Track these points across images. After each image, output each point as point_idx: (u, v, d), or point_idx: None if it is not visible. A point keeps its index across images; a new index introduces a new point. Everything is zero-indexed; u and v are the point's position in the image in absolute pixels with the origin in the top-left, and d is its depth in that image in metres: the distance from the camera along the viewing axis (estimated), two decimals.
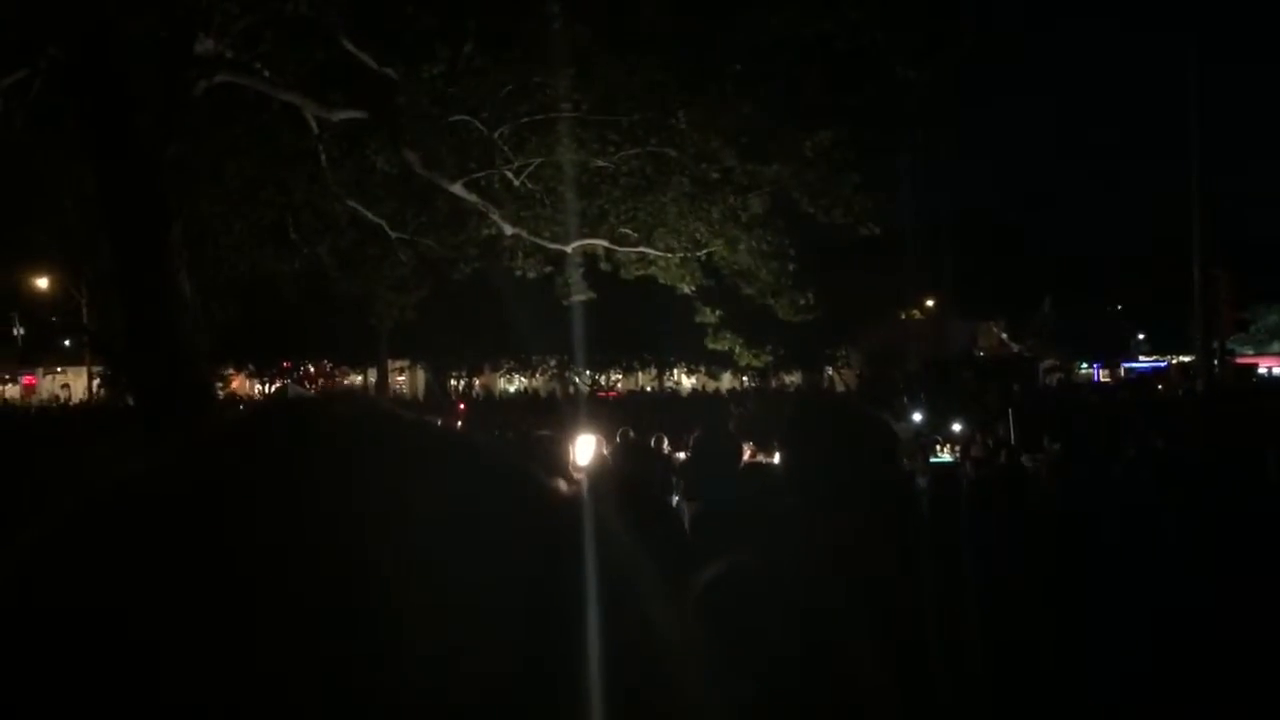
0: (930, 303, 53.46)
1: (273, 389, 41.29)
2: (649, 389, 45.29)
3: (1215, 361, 23.47)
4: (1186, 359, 42.83)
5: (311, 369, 43.36)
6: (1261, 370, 47.69)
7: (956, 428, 17.04)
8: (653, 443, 12.00)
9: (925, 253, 46.60)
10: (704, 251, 11.42)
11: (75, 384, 43.97)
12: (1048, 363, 51.84)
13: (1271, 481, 6.93)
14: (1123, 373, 56.38)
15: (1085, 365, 58.24)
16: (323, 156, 11.24)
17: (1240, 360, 45.81)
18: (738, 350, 12.29)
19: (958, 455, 14.30)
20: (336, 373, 44.58)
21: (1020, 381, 37.71)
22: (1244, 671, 5.19)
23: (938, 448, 15.23)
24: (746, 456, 10.71)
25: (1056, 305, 55.09)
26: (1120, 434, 12.43)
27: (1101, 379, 54.97)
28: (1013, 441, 13.54)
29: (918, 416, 18.63)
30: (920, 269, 47.81)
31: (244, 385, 43.42)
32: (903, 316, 52.02)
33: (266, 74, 9.74)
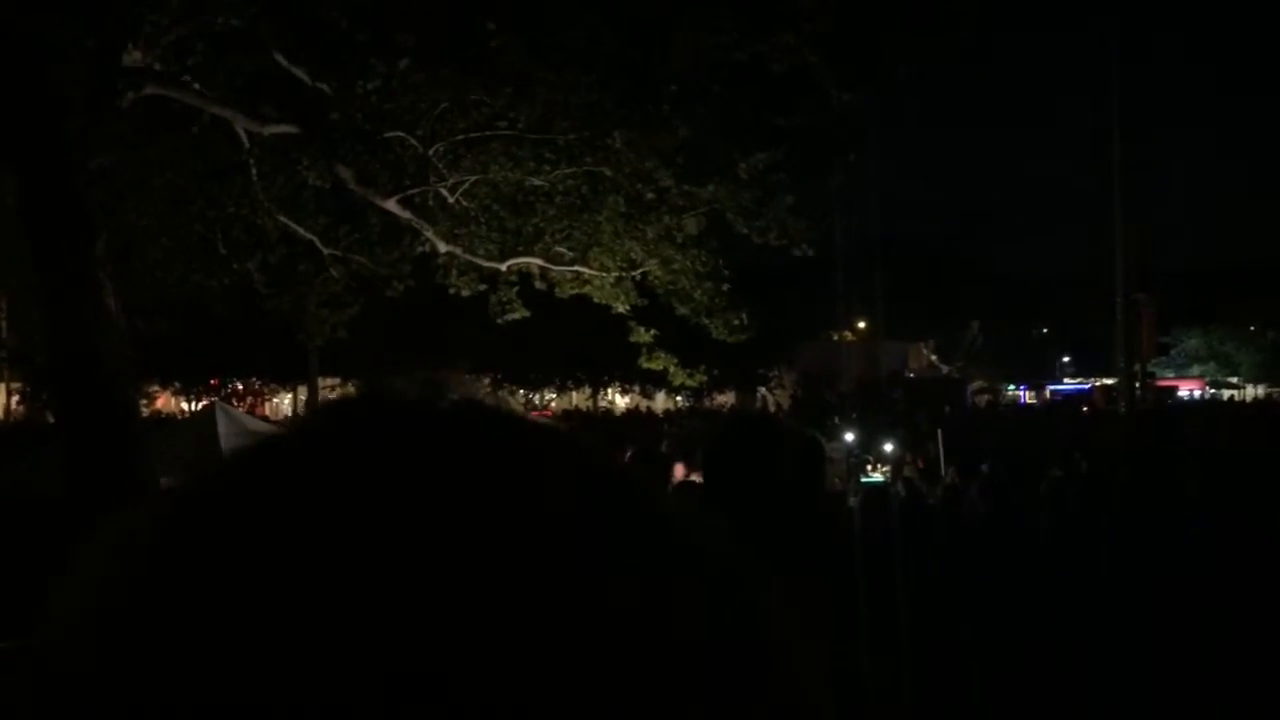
0: (862, 324, 54.16)
1: (199, 407, 40.55)
2: (583, 408, 45.20)
3: (1137, 384, 24.00)
4: (1110, 381, 43.80)
5: (240, 386, 42.63)
6: (1182, 393, 48.95)
7: (887, 448, 17.26)
8: None
9: (857, 275, 47.20)
10: (639, 271, 11.44)
11: None
12: (976, 385, 52.79)
13: (1189, 497, 7.11)
14: (1048, 395, 57.51)
15: (1012, 387, 59.41)
16: (254, 171, 11.09)
17: (1161, 382, 46.95)
18: (672, 370, 12.32)
19: (889, 475, 14.47)
20: (264, 391, 43.90)
21: (949, 403, 38.31)
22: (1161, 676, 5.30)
23: (869, 467, 15.40)
24: (679, 475, 10.74)
25: (985, 328, 56.12)
26: (1048, 455, 12.67)
27: (1028, 401, 56.04)
28: (942, 462, 13.73)
29: (849, 436, 18.82)
30: (852, 291, 48.39)
31: (170, 403, 42.56)
32: (835, 338, 52.65)
33: (196, 86, 9.59)
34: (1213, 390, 55.78)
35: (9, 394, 40.31)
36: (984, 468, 11.52)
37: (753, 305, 12.34)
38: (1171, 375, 54.26)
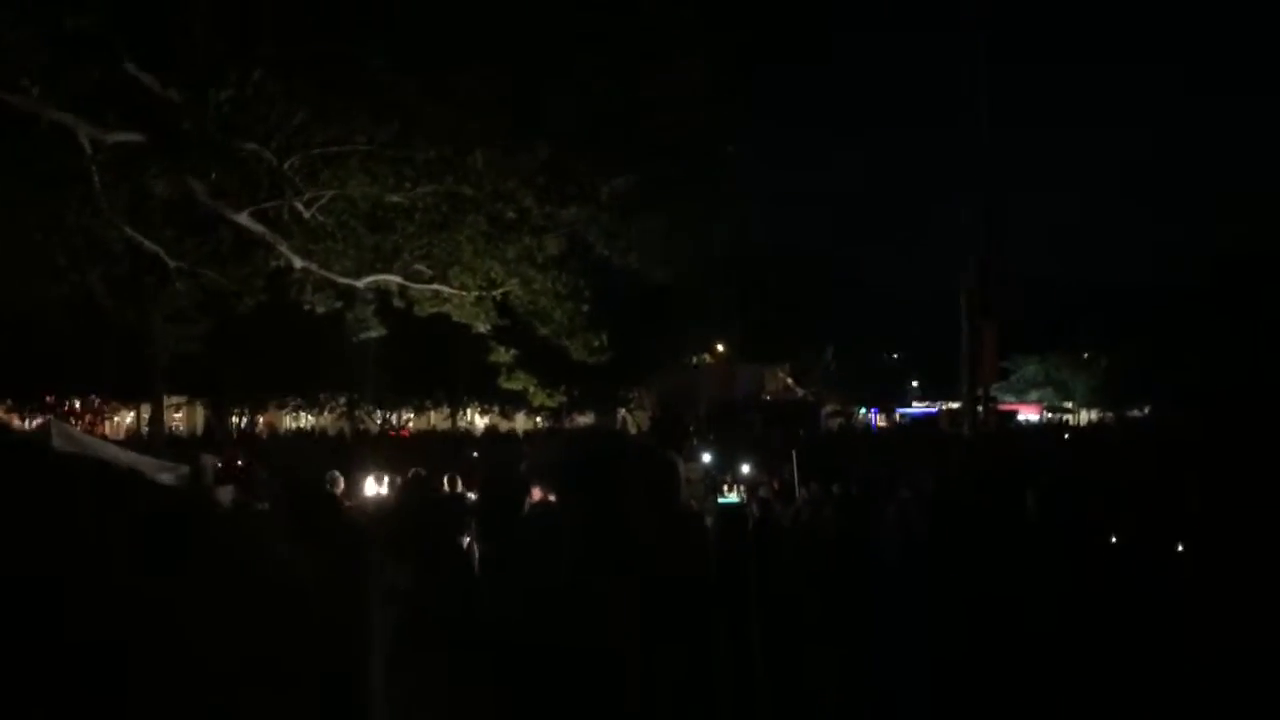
0: (720, 347, 54.93)
1: (34, 425, 38.51)
2: (440, 428, 44.61)
3: (980, 408, 24.97)
4: (955, 405, 45.42)
5: (78, 404, 40.68)
6: (1021, 417, 51.06)
7: (744, 469, 17.51)
8: (445, 483, 11.83)
9: (715, 296, 47.88)
10: (499, 291, 11.41)
11: None
12: (829, 408, 54.10)
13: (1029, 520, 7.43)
14: (898, 417, 59.40)
15: (864, 410, 61.11)
16: (96, 179, 10.65)
17: (1002, 407, 49.00)
18: (531, 390, 12.31)
19: (744, 496, 14.69)
20: (105, 409, 41.99)
21: (804, 425, 39.13)
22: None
23: (725, 488, 15.61)
24: (536, 497, 10.64)
25: (838, 353, 57.57)
26: (895, 476, 13.05)
27: (878, 423, 57.69)
28: (796, 482, 14.01)
29: (706, 458, 19.05)
30: (711, 313, 49.04)
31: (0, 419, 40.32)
32: (694, 360, 53.24)
33: (35, 91, 9.16)
34: (1049, 414, 58.45)
35: None
36: (835, 488, 11.81)
37: (610, 326, 12.43)
38: (1012, 399, 56.61)
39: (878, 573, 7.10)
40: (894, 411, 61.57)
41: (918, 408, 62.29)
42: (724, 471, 17.72)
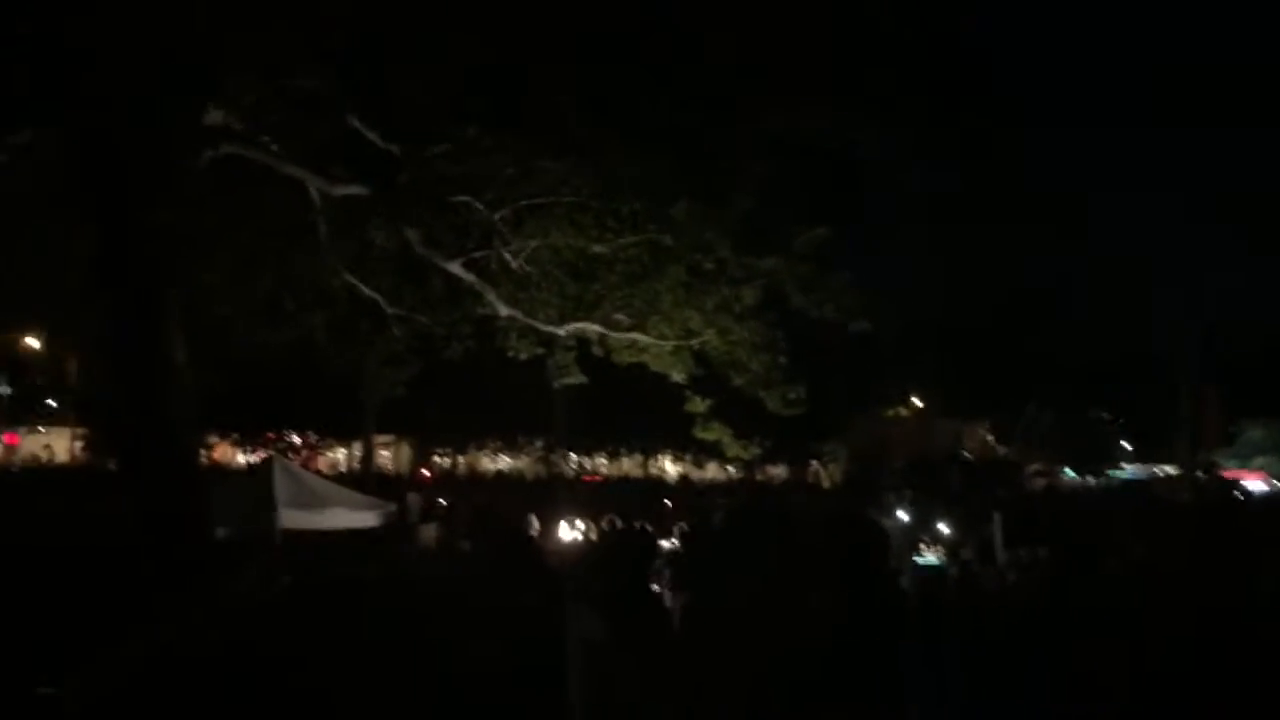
0: (917, 401, 53.61)
1: (257, 460, 41.01)
2: (632, 475, 45.07)
3: (1200, 473, 23.49)
4: (1170, 469, 42.89)
5: (296, 440, 43.08)
6: (1245, 484, 47.68)
7: (942, 528, 16.97)
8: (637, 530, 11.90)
9: (913, 351, 46.85)
10: (696, 341, 11.46)
11: (57, 445, 43.59)
12: (1033, 467, 51.90)
13: (1261, 607, 6.88)
14: (1106, 479, 56.25)
15: (1069, 470, 58.29)
16: (322, 230, 11.30)
17: (1224, 473, 45.89)
18: (726, 441, 12.27)
19: (943, 557, 14.20)
20: (320, 445, 44.30)
21: (1005, 484, 37.67)
22: None
23: (924, 548, 15.13)
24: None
25: (1043, 409, 55.31)
26: (1106, 543, 12.36)
27: (1088, 484, 54.80)
28: (998, 546, 13.47)
29: (903, 515, 18.54)
30: (907, 367, 48.06)
31: (227, 454, 43.09)
32: (889, 413, 52.11)
33: (273, 147, 9.83)
34: (1276, 483, 54.37)
35: (73, 439, 41.10)
36: (1042, 552, 11.28)
37: (807, 377, 12.29)
38: (1235, 465, 52.98)
39: (1092, 650, 6.68)
40: (1103, 473, 58.52)
41: (1128, 470, 59.03)
42: (921, 530, 17.22)
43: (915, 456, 41.04)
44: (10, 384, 42.13)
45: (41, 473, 33.61)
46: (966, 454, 51.07)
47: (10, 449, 45.93)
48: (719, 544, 5.85)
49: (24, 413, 43.92)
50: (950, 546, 14.88)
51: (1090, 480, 55.67)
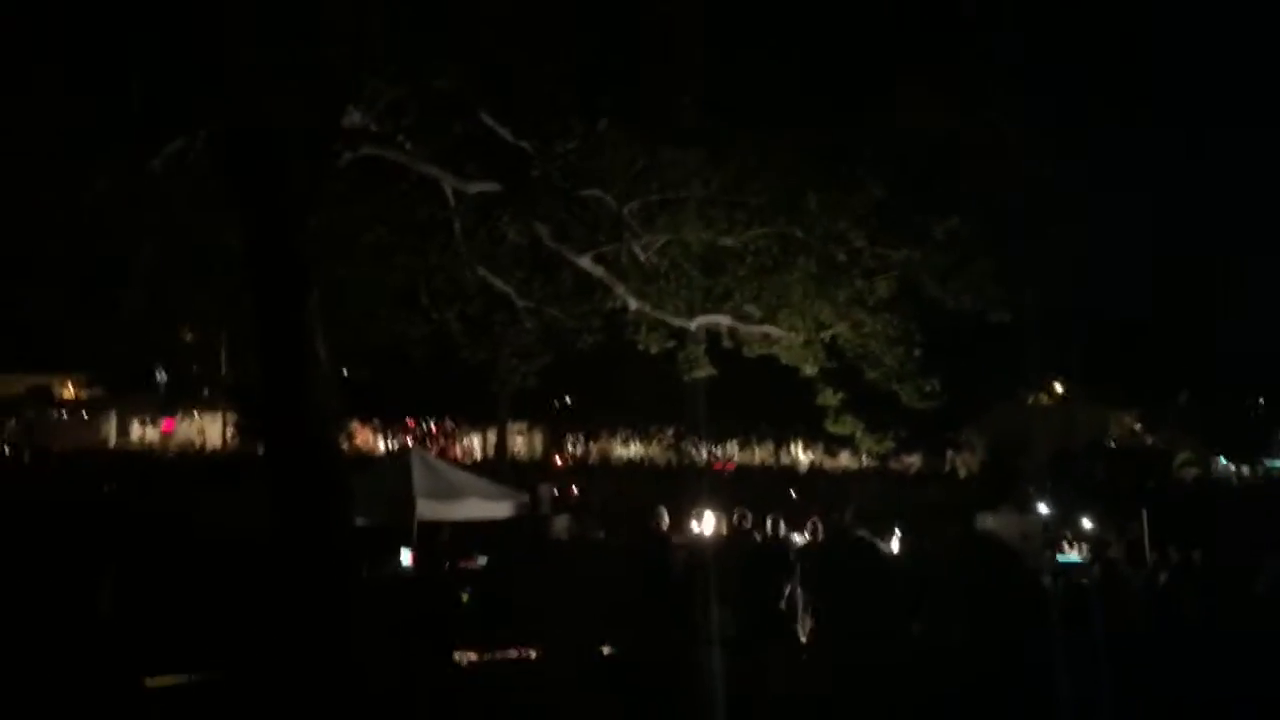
0: (1059, 388, 51.96)
1: (396, 447, 42.18)
2: (765, 464, 44.82)
3: None
4: None
5: (434, 428, 44.16)
6: None
7: (1085, 524, 16.39)
8: (768, 525, 11.84)
9: (1055, 335, 45.39)
10: (828, 333, 11.29)
11: (210, 430, 45.56)
12: (1182, 456, 49.76)
13: None
14: (1264, 469, 53.50)
15: (1224, 461, 55.67)
16: (457, 226, 11.50)
17: None
18: (858, 435, 12.07)
19: (1087, 554, 13.68)
20: (457, 431, 45.31)
21: (1153, 476, 36.21)
22: None
23: (1065, 544, 14.59)
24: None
25: (1194, 397, 53.01)
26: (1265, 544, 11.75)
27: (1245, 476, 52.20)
28: (1146, 544, 12.94)
29: (1043, 509, 17.99)
30: (1050, 352, 46.51)
31: (368, 440, 44.42)
32: (1029, 401, 50.62)
33: (408, 146, 10.03)
34: None
35: (225, 425, 42.90)
36: (1195, 554, 10.81)
37: (942, 363, 11.99)
38: None
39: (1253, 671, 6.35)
40: (1259, 463, 55.70)
41: None
42: (1063, 525, 16.64)
43: (1057, 446, 39.71)
44: (166, 372, 44.28)
45: (195, 458, 35.21)
46: (1112, 443, 49.22)
47: (167, 435, 48.28)
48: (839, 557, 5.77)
49: (179, 399, 46.09)
50: (1094, 543, 14.33)
51: (1245, 471, 53.10)
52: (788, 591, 9.72)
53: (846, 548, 8.29)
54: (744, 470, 41.56)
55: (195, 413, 47.67)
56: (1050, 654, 5.98)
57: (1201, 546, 10.83)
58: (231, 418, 40.88)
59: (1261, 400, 63.76)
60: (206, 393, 42.82)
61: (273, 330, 8.92)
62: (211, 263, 12.10)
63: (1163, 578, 10.21)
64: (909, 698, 5.84)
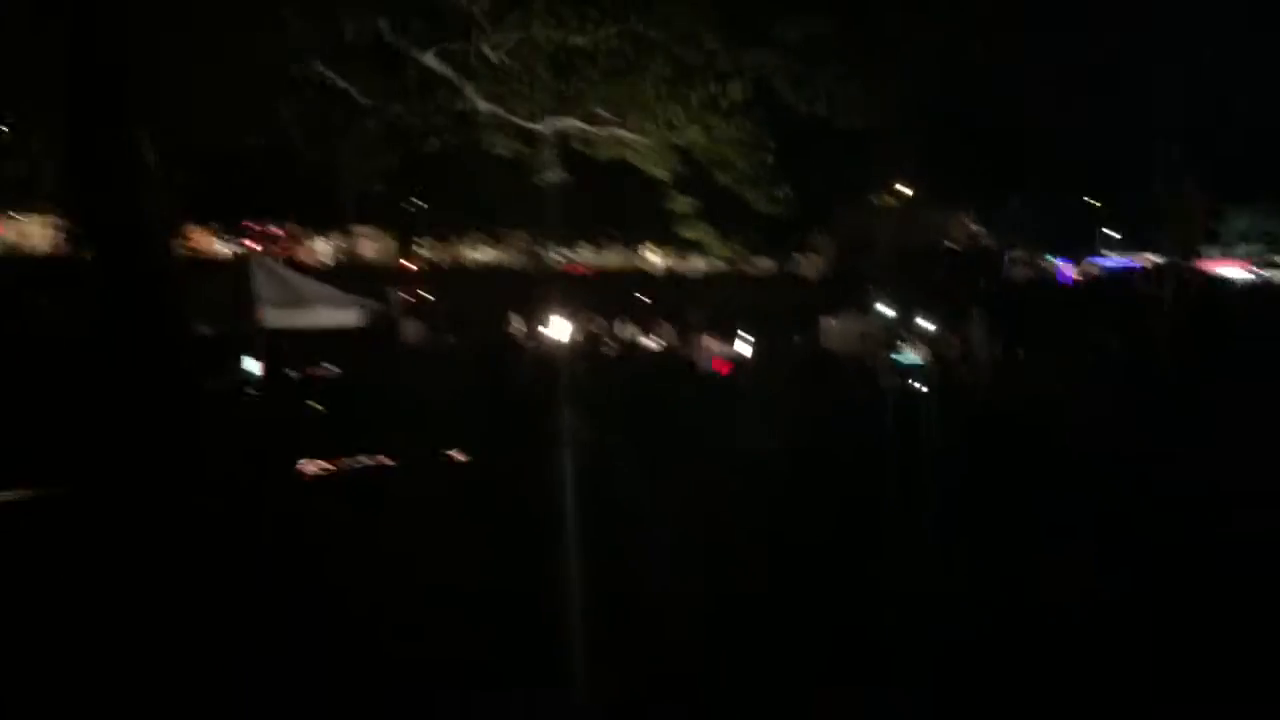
0: (902, 189, 53.09)
1: (236, 253, 40.71)
2: (616, 268, 44.97)
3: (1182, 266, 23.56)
4: (1155, 258, 42.93)
5: (278, 231, 42.65)
6: (1225, 272, 47.90)
7: (924, 324, 16.99)
8: (619, 331, 11.94)
9: (901, 137, 46.00)
10: (680, 137, 11.15)
11: (33, 233, 43.08)
12: (1014, 253, 51.86)
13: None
14: (1094, 270, 56.21)
15: (1050, 257, 58.22)
16: (289, 16, 10.77)
17: (1206, 262, 46.15)
18: (708, 241, 12.14)
19: (926, 355, 14.27)
20: (302, 235, 43.89)
21: (987, 275, 37.74)
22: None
23: (903, 345, 15.14)
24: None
25: (1028, 199, 54.94)
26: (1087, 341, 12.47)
27: (1071, 275, 54.93)
28: (979, 343, 13.57)
29: (885, 310, 18.59)
30: (895, 154, 47.21)
31: (206, 244, 42.69)
32: (875, 203, 51.68)
33: None
34: (1261, 271, 54.49)
35: (48, 228, 40.56)
36: (1020, 351, 11.36)
37: (792, 166, 12.01)
38: (1218, 254, 53.08)
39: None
40: (1085, 261, 58.49)
41: (1112, 258, 59.02)
42: (902, 326, 17.23)
43: (900, 248, 40.88)
44: None
45: (20, 262, 33.29)
46: (951, 244, 50.98)
47: None
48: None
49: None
50: (932, 343, 14.95)
51: (1074, 269, 55.77)
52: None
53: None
54: (596, 274, 41.66)
55: (15, 215, 44.91)
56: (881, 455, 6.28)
57: (1028, 343, 11.40)
58: (57, 221, 38.66)
59: (1091, 200, 66.52)
60: (27, 190, 40.22)
61: (92, 136, 8.37)
62: (31, 65, 11.14)
63: (986, 376, 10.71)
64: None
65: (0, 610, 5.12)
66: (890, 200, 52.85)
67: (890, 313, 17.47)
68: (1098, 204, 63.17)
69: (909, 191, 52.48)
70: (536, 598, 5.17)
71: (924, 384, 10.67)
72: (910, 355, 14.17)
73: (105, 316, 8.59)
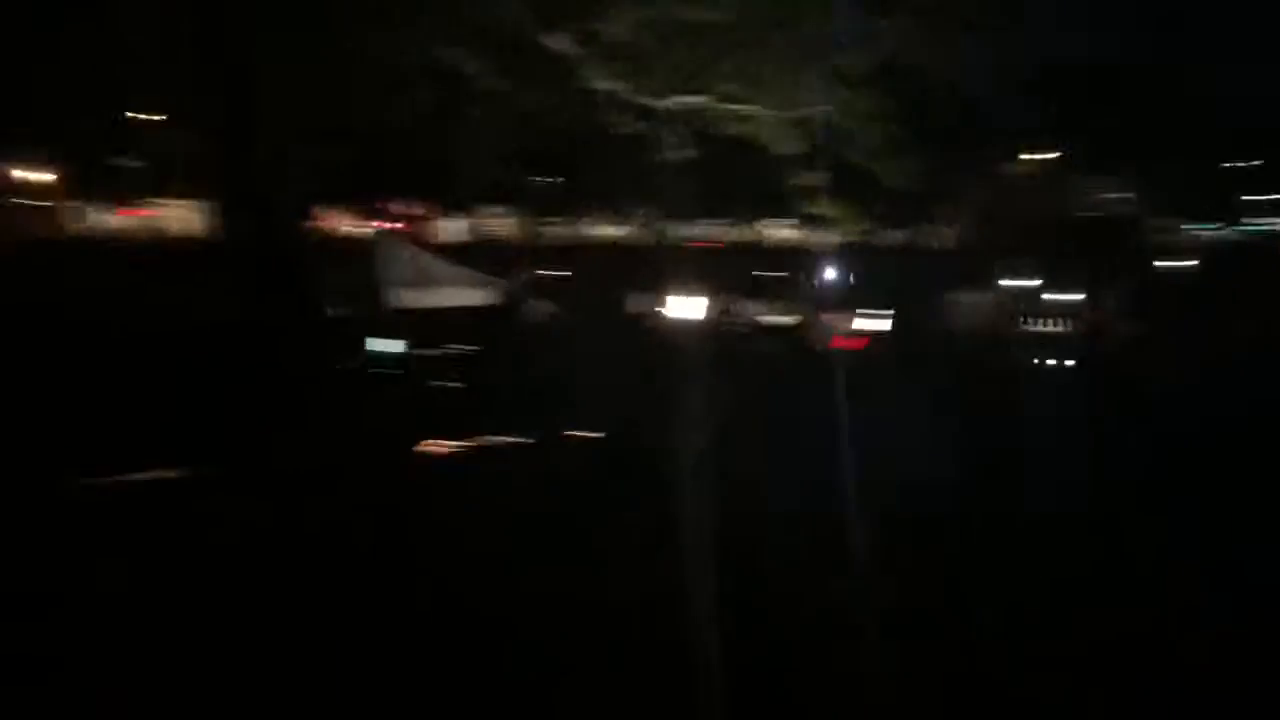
0: (1042, 156, 51.29)
1: (370, 232, 41.70)
2: (742, 242, 44.61)
3: None
4: None
5: (410, 211, 43.60)
6: None
7: (1059, 296, 16.36)
8: (748, 309, 11.82)
9: (1045, 102, 44.43)
10: (807, 111, 10.92)
11: (176, 216, 44.84)
12: (1160, 222, 49.64)
13: None
14: (1242, 238, 53.41)
15: (1198, 226, 55.54)
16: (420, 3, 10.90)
17: None
18: (837, 217, 11.88)
19: (1065, 325, 13.67)
20: (431, 216, 44.77)
21: (1129, 244, 36.18)
22: None
23: (1037, 317, 14.51)
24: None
25: (1176, 165, 52.53)
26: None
27: (1218, 244, 52.27)
28: (1115, 312, 12.99)
29: (1019, 281, 18.00)
30: (1032, 120, 45.65)
31: (343, 225, 43.85)
32: (1011, 171, 50.08)
33: None
34: None
35: (190, 212, 42.22)
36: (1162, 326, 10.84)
37: (923, 137, 11.67)
38: None
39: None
40: (1235, 229, 55.59)
41: (1263, 225, 55.93)
42: (1038, 296, 16.62)
43: (1036, 217, 39.50)
44: (135, 158, 43.22)
45: (163, 247, 34.62)
46: (1097, 211, 48.96)
47: (131, 219, 47.57)
48: None
49: (148, 186, 45.16)
50: (1069, 317, 14.33)
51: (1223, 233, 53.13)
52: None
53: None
54: (723, 249, 41.42)
55: (159, 200, 46.76)
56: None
57: (1171, 316, 10.87)
58: (196, 205, 40.18)
59: (1242, 165, 63.20)
60: (169, 177, 41.86)
61: (223, 114, 8.60)
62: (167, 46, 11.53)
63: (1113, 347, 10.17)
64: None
65: (157, 582, 5.28)
66: (1027, 167, 51.13)
67: (1025, 285, 16.88)
68: (1250, 170, 60.00)
69: (1047, 158, 50.72)
70: (663, 601, 4.91)
71: (1059, 359, 10.28)
72: (1042, 329, 13.63)
73: (248, 299, 8.85)
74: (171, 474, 7.49)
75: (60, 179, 42.98)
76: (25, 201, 43.70)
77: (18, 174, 42.67)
